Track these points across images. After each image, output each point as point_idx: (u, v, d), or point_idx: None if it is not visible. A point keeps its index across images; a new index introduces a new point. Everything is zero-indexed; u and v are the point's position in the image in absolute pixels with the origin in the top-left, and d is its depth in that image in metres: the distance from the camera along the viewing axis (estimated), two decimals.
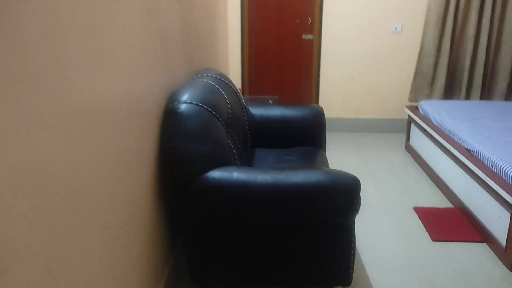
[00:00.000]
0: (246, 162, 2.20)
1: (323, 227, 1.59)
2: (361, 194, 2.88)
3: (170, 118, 1.63)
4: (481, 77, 3.92)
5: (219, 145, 1.66)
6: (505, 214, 2.04)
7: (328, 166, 2.33)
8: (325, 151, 2.65)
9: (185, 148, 1.58)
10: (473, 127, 2.73)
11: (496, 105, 3.29)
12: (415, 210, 2.61)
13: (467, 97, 4.03)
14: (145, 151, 1.49)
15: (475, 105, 3.30)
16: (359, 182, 1.56)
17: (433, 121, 3.14)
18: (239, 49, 4.12)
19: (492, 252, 2.17)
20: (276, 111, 2.62)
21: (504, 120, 2.88)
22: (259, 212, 1.55)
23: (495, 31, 3.85)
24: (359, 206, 1.57)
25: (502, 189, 2.03)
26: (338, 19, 3.98)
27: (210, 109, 1.74)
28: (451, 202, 2.69)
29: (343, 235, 1.59)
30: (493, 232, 2.16)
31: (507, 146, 2.35)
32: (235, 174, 1.57)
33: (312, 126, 2.59)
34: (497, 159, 2.21)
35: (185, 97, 1.71)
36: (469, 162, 2.40)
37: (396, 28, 3.97)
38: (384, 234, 2.38)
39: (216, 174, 1.58)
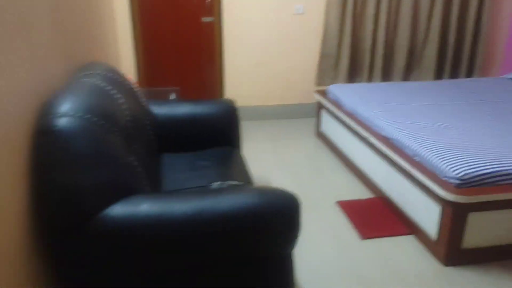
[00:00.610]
0: (153, 175, 1.82)
1: (257, 263, 1.31)
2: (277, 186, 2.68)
3: (45, 140, 1.19)
4: (381, 58, 3.94)
5: (118, 169, 1.27)
6: (433, 205, 1.97)
7: (246, 169, 2.06)
8: (241, 150, 2.36)
9: (70, 180, 1.16)
10: (387, 112, 2.66)
11: (400, 87, 3.30)
12: (338, 204, 2.47)
13: (370, 78, 4.05)
14: (6, 193, 1.04)
15: (382, 88, 3.27)
16: (298, 201, 1.30)
17: (345, 106, 3.04)
18: (130, 36, 3.60)
19: (422, 245, 2.10)
20: (182, 109, 2.25)
21: (410, 103, 2.86)
22: (178, 254, 1.21)
23: (393, 10, 3.88)
24: (300, 231, 1.32)
25: (429, 179, 1.95)
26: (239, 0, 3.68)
27: (101, 121, 1.32)
28: (373, 192, 2.61)
29: (282, 268, 1.33)
30: (421, 223, 2.10)
31: (425, 132, 2.29)
32: (144, 207, 1.21)
33: (224, 124, 2.28)
34: (419, 147, 2.14)
35: (64, 107, 1.27)
36: (389, 151, 2.31)
37: (298, 9, 3.79)
38: (310, 235, 2.19)
39: (118, 210, 1.19)
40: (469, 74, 4.18)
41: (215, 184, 1.85)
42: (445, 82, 3.45)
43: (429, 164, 2.03)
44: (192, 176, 1.94)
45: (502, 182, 1.88)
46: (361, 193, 2.63)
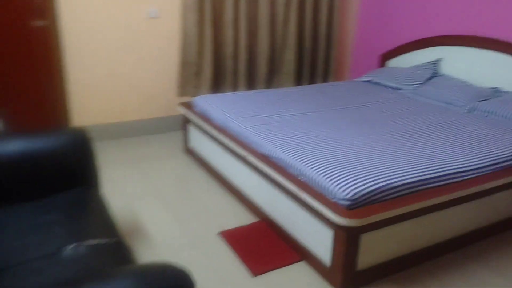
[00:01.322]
0: None
1: None
2: (152, 224, 2.29)
3: None
4: (245, 64, 3.80)
5: None
6: (325, 229, 1.84)
7: (108, 215, 1.64)
8: (99, 189, 1.91)
9: None
10: (262, 126, 2.48)
11: (268, 95, 3.18)
12: (222, 235, 2.20)
13: (235, 86, 3.87)
14: None
15: (251, 97, 3.10)
16: (192, 281, 0.97)
17: (215, 120, 2.78)
18: None
19: (316, 272, 1.96)
20: (13, 146, 1.70)
21: (283, 113, 2.75)
22: None
23: (252, 15, 3.76)
24: None
25: (318, 202, 1.80)
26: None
27: None
28: (256, 215, 2.40)
29: None
30: (313, 249, 1.95)
31: (306, 146, 2.16)
32: None
33: (74, 160, 1.81)
34: (303, 166, 1.99)
35: None
36: (271, 170, 2.12)
37: (151, 12, 3.39)
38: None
39: None
40: (325, 78, 4.32)
41: (69, 249, 1.40)
42: (310, 88, 3.45)
43: (316, 185, 1.90)
44: (34, 240, 1.45)
45: (388, 197, 1.84)
46: (244, 217, 2.40)
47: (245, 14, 3.66)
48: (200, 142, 3.00)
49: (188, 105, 3.17)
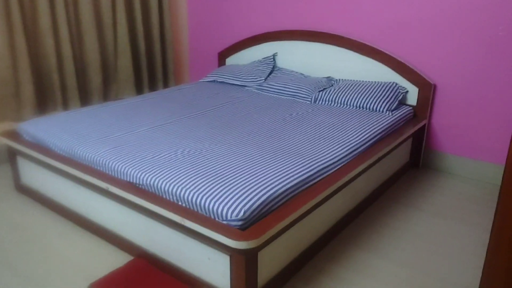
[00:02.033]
0: None
1: None
2: None
3: None
4: (74, 77, 3.31)
5: None
6: (219, 255, 1.68)
7: None
8: None
9: None
10: (118, 149, 2.16)
11: (113, 110, 2.82)
12: None
13: (66, 102, 3.34)
14: None
15: (92, 115, 2.70)
16: None
17: (55, 149, 2.32)
18: None
19: None
20: None
21: (136, 128, 2.46)
22: None
23: (74, 20, 3.27)
24: None
25: (207, 227, 1.63)
26: None
27: None
28: (130, 252, 2.09)
29: None
30: (204, 276, 1.78)
31: (175, 166, 1.95)
32: None
33: None
34: (179, 189, 1.78)
35: None
36: (142, 200, 1.85)
37: None
38: None
39: None
40: (166, 82, 4.10)
41: None
42: (156, 95, 3.20)
43: (200, 208, 1.72)
44: None
45: (276, 206, 1.78)
46: (117, 258, 2.07)
47: (65, 20, 3.17)
48: (38, 177, 2.48)
49: (12, 134, 2.58)
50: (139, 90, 3.86)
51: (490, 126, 2.83)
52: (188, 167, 1.94)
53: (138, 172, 1.94)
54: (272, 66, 3.58)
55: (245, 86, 3.49)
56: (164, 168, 1.94)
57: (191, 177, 1.84)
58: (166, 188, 1.82)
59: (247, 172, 1.90)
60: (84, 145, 2.22)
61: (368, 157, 2.31)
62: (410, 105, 3.05)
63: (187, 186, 1.79)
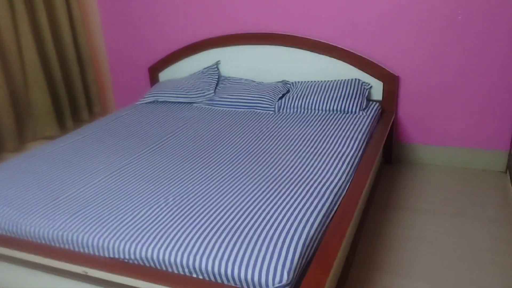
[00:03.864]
0: None
1: None
2: None
3: None
4: None
5: None
6: None
7: None
8: None
9: None
10: (82, 215, 1.66)
11: (50, 156, 2.24)
12: None
13: None
14: None
15: (22, 171, 2.10)
16: None
17: None
18: None
19: None
20: None
21: (94, 180, 1.95)
22: None
23: None
24: None
25: None
26: None
27: None
28: None
29: None
30: None
31: (172, 225, 1.53)
32: None
33: None
34: (195, 259, 1.38)
35: None
36: (144, 282, 1.40)
37: None
38: None
39: None
40: (91, 109, 3.50)
41: None
42: (92, 129, 2.62)
43: (228, 279, 1.34)
44: None
45: (310, 252, 1.46)
46: None
47: None
48: None
49: None
50: (61, 124, 3.23)
51: (454, 111, 2.80)
52: (190, 225, 1.52)
53: (125, 244, 1.48)
54: (217, 76, 3.21)
55: (193, 103, 3.07)
56: (159, 231, 1.50)
57: (202, 240, 1.44)
58: (173, 260, 1.40)
59: (263, 218, 1.55)
60: (32, 217, 1.67)
61: (369, 168, 2.09)
62: (376, 100, 2.91)
63: (204, 254, 1.38)
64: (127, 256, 1.46)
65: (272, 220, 1.52)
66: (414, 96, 2.87)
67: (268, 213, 1.57)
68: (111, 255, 1.49)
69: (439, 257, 2.01)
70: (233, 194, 1.73)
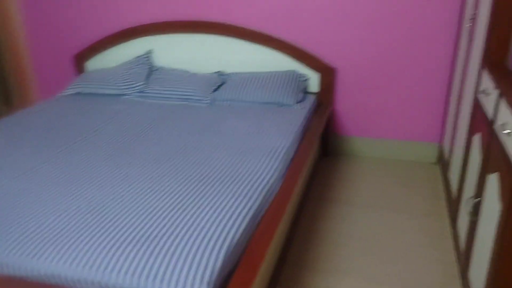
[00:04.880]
0: None
1: None
2: None
3: None
4: None
5: None
6: None
7: None
8: None
9: None
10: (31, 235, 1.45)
11: None
12: None
13: None
14: None
15: None
16: None
17: None
18: None
19: None
20: None
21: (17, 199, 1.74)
22: None
23: None
24: None
25: None
26: None
27: None
28: None
29: None
30: None
31: (75, 238, 1.37)
32: None
33: None
34: (104, 274, 1.23)
35: None
36: None
37: None
38: None
39: None
40: (8, 102, 3.19)
41: None
42: (6, 123, 2.36)
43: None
44: None
45: (236, 258, 1.37)
46: None
47: None
48: None
49: None
50: None
51: (388, 104, 2.81)
52: (101, 235, 1.37)
53: (25, 259, 1.30)
54: (149, 66, 3.02)
55: (123, 95, 2.87)
56: (64, 243, 1.33)
57: (114, 252, 1.29)
58: (80, 276, 1.25)
59: (184, 224, 1.43)
60: None
61: (302, 163, 2.02)
62: (313, 93, 2.86)
63: (115, 268, 1.24)
64: (28, 274, 1.29)
65: (194, 225, 1.41)
66: (350, 89, 2.85)
67: (190, 218, 1.45)
68: (8, 272, 1.31)
69: (370, 253, 2.00)
70: (155, 197, 1.59)
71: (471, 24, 2.09)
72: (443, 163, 2.62)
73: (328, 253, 2.00)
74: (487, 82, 1.61)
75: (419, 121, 2.79)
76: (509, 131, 1.23)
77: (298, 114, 2.47)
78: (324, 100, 2.86)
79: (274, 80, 2.71)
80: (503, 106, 1.35)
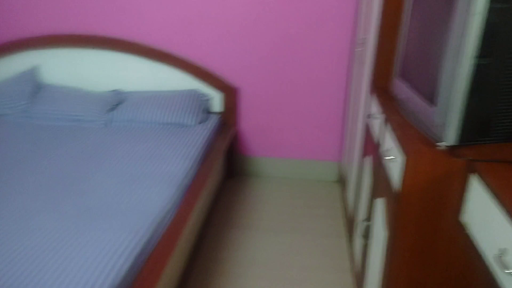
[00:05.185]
0: None
1: None
2: None
3: None
4: None
5: None
6: None
7: None
8: None
9: None
10: None
11: None
12: None
13: None
14: None
15: None
16: None
17: None
18: None
19: None
20: None
21: None
22: None
23: None
24: None
25: None
26: None
27: None
28: None
29: None
30: None
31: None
32: None
33: None
34: None
35: None
36: None
37: None
38: None
39: None
40: None
41: None
42: None
43: None
44: None
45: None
46: None
47: None
48: None
49: None
50: None
51: (289, 124, 2.83)
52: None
53: None
54: (34, 84, 2.73)
55: (4, 115, 2.55)
56: None
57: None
58: None
59: (58, 267, 1.24)
60: None
61: (200, 188, 1.93)
62: (217, 112, 2.79)
63: None
64: None
65: (68, 270, 1.23)
66: (254, 109, 2.83)
67: (64, 260, 1.27)
68: None
69: (273, 278, 1.95)
70: (22, 237, 1.38)
71: (361, 49, 2.17)
72: (342, 182, 2.69)
73: (230, 283, 1.91)
74: (375, 106, 1.66)
75: (320, 141, 2.85)
76: (392, 157, 1.24)
77: (199, 135, 2.38)
78: (228, 120, 2.80)
79: (175, 100, 2.60)
80: (388, 131, 1.38)
